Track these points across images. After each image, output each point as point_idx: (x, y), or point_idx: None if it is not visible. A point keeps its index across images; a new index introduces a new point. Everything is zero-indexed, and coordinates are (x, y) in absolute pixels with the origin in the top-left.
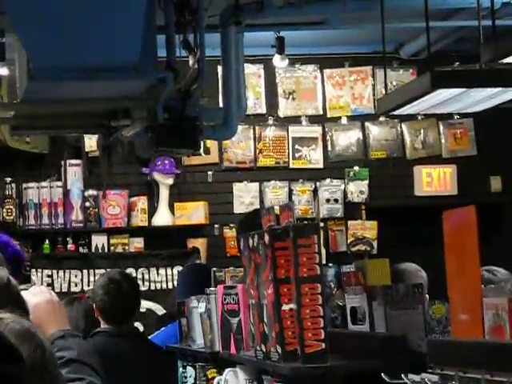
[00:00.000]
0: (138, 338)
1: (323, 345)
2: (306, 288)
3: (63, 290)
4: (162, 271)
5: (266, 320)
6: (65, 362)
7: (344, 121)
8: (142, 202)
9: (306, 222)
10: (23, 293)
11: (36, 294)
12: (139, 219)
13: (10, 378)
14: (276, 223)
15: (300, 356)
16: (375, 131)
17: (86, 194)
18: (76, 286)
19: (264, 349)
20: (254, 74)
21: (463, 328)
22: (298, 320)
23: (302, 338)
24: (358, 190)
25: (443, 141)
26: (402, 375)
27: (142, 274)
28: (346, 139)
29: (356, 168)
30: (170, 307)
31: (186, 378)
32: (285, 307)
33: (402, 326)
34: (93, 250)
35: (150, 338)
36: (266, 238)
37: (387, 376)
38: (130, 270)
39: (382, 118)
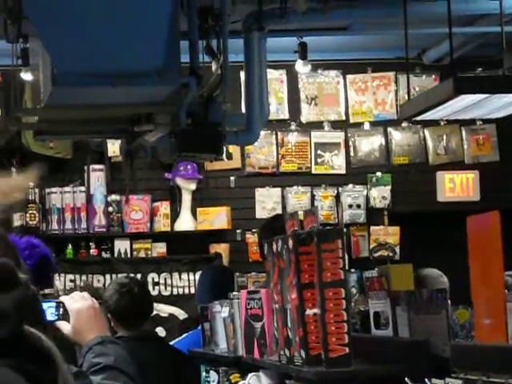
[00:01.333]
0: (157, 342)
1: (347, 349)
2: (329, 293)
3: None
4: (184, 276)
5: (289, 324)
6: (101, 368)
7: (366, 126)
8: (164, 207)
9: (329, 227)
10: (64, 298)
11: (77, 300)
12: (162, 224)
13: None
14: (300, 228)
15: (324, 360)
16: (398, 137)
17: (109, 198)
18: None
19: (288, 353)
20: (276, 80)
21: (487, 333)
22: (322, 324)
23: (325, 342)
24: (380, 195)
25: (466, 146)
26: (426, 380)
27: (165, 278)
28: (369, 145)
29: (378, 173)
30: (193, 312)
31: (209, 382)
32: (308, 312)
33: (425, 331)
34: (115, 254)
35: (173, 343)
36: (290, 242)
37: (411, 380)
38: (153, 275)
39: (404, 124)
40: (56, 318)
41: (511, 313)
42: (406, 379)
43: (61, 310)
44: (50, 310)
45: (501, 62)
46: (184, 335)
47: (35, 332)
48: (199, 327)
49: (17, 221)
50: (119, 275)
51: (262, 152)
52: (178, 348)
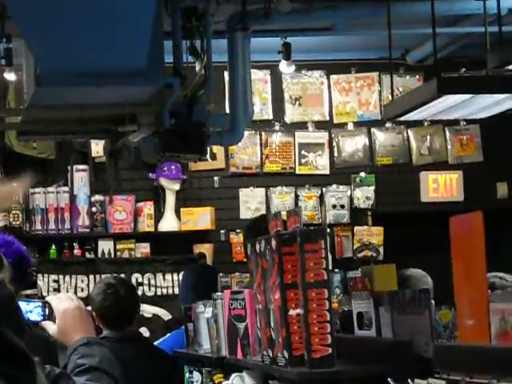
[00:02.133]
0: (141, 342)
1: (330, 350)
2: (312, 293)
3: None
4: (168, 276)
5: (272, 325)
6: (85, 369)
7: (350, 127)
8: (148, 208)
9: (313, 228)
10: (50, 298)
11: (64, 301)
12: (145, 224)
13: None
14: (283, 228)
15: (307, 361)
16: (381, 137)
17: (93, 199)
18: (82, 291)
19: (271, 354)
20: (260, 80)
21: (470, 333)
22: (305, 325)
23: (308, 342)
24: (364, 195)
25: (449, 147)
26: (409, 380)
27: (149, 279)
28: (353, 145)
29: (362, 174)
30: (176, 313)
31: (192, 382)
32: (292, 312)
33: (408, 331)
34: (99, 255)
35: (156, 343)
36: (273, 243)
37: (394, 381)
38: (136, 276)
39: (388, 124)
40: (42, 318)
41: (494, 313)
42: (389, 380)
43: (47, 310)
44: (36, 310)
45: (484, 62)
46: (167, 335)
47: (10, 333)
48: (182, 327)
49: (0, 221)
50: (106, 275)
51: (246, 152)
52: (162, 348)
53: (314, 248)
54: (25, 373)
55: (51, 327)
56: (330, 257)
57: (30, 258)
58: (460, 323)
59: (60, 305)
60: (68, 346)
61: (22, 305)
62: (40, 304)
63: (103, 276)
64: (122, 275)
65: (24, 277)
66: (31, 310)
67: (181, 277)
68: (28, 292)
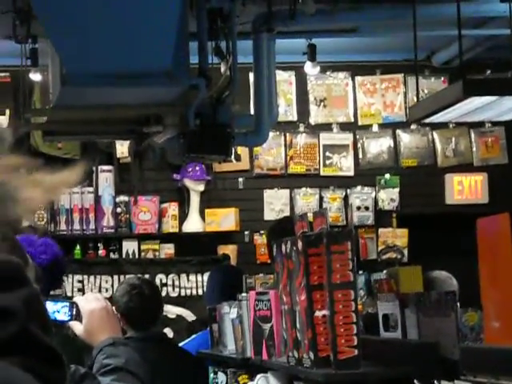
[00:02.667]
0: (166, 343)
1: (356, 351)
2: (338, 294)
3: None
4: (192, 277)
5: (298, 326)
6: (111, 369)
7: (375, 128)
8: (172, 209)
9: (339, 229)
10: (78, 299)
11: (91, 301)
12: (170, 225)
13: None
14: (309, 230)
15: (332, 362)
16: (406, 139)
17: (118, 199)
18: (107, 291)
19: (296, 355)
20: (285, 81)
21: (496, 335)
22: (331, 326)
23: (334, 344)
24: (388, 197)
25: (474, 149)
26: (435, 382)
27: (173, 280)
28: (377, 147)
29: (387, 176)
30: (201, 313)
31: (217, 383)
32: (317, 313)
33: (434, 333)
34: (123, 255)
35: (182, 344)
36: (300, 244)
37: (420, 383)
38: (161, 276)
39: (413, 126)
40: (69, 318)
41: None
42: (415, 381)
43: (74, 310)
44: (63, 310)
45: (510, 64)
46: (192, 336)
47: (40, 332)
48: (207, 329)
49: (25, 221)
50: (129, 276)
51: (271, 153)
52: (187, 349)
53: (340, 249)
54: (56, 370)
55: (78, 327)
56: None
57: (64, 265)
58: (487, 325)
59: (87, 305)
60: (94, 346)
61: (50, 305)
62: (67, 304)
63: (127, 276)
64: (147, 276)
65: (56, 281)
66: (58, 310)
67: (205, 278)
68: (52, 292)
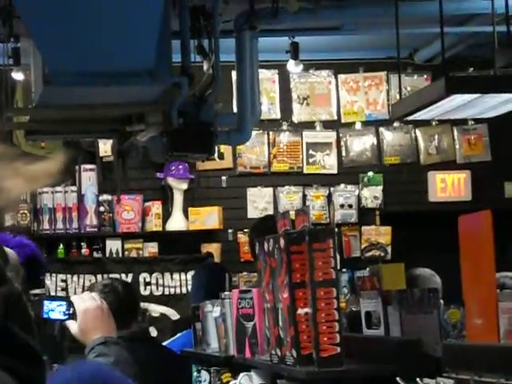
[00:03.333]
0: (151, 342)
1: (338, 349)
2: (321, 292)
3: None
4: (176, 276)
5: (281, 324)
6: None
7: (358, 126)
8: (156, 207)
9: (321, 227)
10: (74, 298)
11: (86, 300)
12: (153, 224)
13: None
14: (291, 228)
15: (315, 360)
16: (389, 137)
17: (101, 198)
18: None
19: (279, 353)
20: (268, 80)
21: (478, 332)
22: (314, 324)
23: (317, 342)
24: (372, 195)
25: (457, 146)
26: (418, 379)
27: (156, 278)
28: (361, 144)
29: (370, 173)
30: (184, 312)
31: (200, 382)
32: (300, 311)
33: (417, 331)
34: (107, 254)
35: (166, 343)
36: (282, 242)
37: (402, 380)
38: (144, 275)
39: (396, 124)
40: (66, 317)
41: (503, 312)
42: (398, 379)
43: (71, 309)
44: (60, 309)
45: (492, 61)
46: (177, 335)
47: (19, 330)
48: (191, 328)
49: (8, 220)
50: (109, 275)
51: (254, 152)
52: (171, 348)
53: (322, 247)
54: (34, 369)
55: (73, 326)
56: (337, 256)
57: (43, 263)
58: (469, 322)
59: (81, 304)
60: (87, 345)
61: (46, 303)
62: (65, 303)
63: (111, 276)
64: (130, 275)
65: (35, 279)
66: (53, 309)
67: (189, 276)
68: (36, 291)
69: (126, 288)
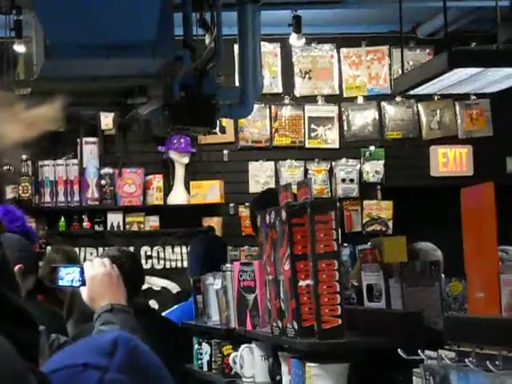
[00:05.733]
0: (151, 314)
1: (340, 321)
2: (322, 264)
3: None
4: (177, 249)
5: (282, 296)
6: None
7: (360, 100)
8: (157, 181)
9: (323, 199)
10: (85, 264)
11: (95, 267)
12: (155, 198)
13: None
14: (293, 200)
15: (316, 332)
16: (391, 111)
17: (102, 172)
18: None
19: (280, 325)
20: (270, 53)
21: (480, 305)
22: (315, 296)
23: (318, 313)
24: (373, 170)
25: (459, 121)
26: (419, 351)
27: (158, 252)
28: (362, 119)
29: (372, 148)
30: (185, 285)
31: (201, 354)
32: (301, 283)
33: (418, 303)
34: (108, 228)
35: (164, 314)
36: (283, 214)
37: (404, 352)
38: (146, 249)
39: (398, 98)
40: (80, 283)
41: (504, 285)
42: (399, 351)
43: (84, 276)
44: (73, 276)
45: (495, 36)
46: (175, 306)
47: (10, 293)
48: (190, 299)
49: (9, 193)
50: (110, 248)
51: (256, 126)
52: (170, 319)
53: (324, 219)
54: (26, 331)
55: (84, 293)
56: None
57: (34, 237)
58: (470, 295)
59: (90, 271)
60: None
61: (60, 270)
62: (78, 269)
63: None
64: (131, 248)
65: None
66: (67, 276)
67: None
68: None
69: (133, 262)
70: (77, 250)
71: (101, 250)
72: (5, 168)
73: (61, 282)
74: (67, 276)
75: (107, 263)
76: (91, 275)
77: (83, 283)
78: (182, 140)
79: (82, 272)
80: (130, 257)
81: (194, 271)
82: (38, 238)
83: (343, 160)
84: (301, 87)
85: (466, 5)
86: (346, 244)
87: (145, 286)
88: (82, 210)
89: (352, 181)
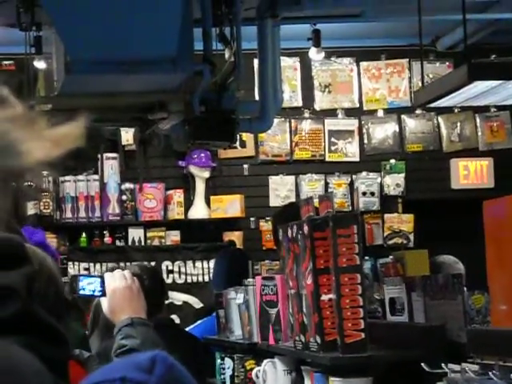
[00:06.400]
0: (173, 328)
1: (363, 335)
2: (345, 278)
3: None
4: (198, 264)
5: (305, 310)
6: (126, 350)
7: (380, 113)
8: (178, 195)
9: (345, 213)
10: (106, 275)
11: (116, 279)
12: (175, 212)
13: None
14: (315, 214)
15: (339, 346)
16: (411, 124)
17: (123, 187)
18: None
19: (303, 339)
20: (290, 67)
21: (503, 318)
22: (338, 310)
23: (341, 327)
24: (394, 182)
25: (480, 133)
26: (442, 365)
27: (179, 266)
28: (383, 132)
29: (392, 161)
30: (207, 300)
31: (224, 369)
32: (324, 297)
33: (441, 317)
34: (129, 243)
35: (188, 329)
36: (306, 228)
37: (427, 366)
38: (167, 263)
39: (418, 111)
40: (100, 294)
41: None
42: (422, 364)
43: (104, 286)
44: (94, 286)
45: None
46: (198, 322)
47: (42, 310)
48: (213, 314)
49: (31, 209)
50: (132, 263)
51: (276, 140)
52: (193, 335)
53: (346, 233)
54: (57, 349)
55: (105, 304)
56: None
57: (53, 251)
58: (493, 308)
59: (111, 283)
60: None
61: (81, 280)
62: (99, 280)
63: (128, 265)
64: (153, 263)
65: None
66: (88, 286)
67: (211, 264)
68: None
69: (154, 280)
70: (98, 265)
71: (122, 265)
72: (26, 184)
73: (82, 292)
74: (88, 286)
75: (128, 276)
76: (112, 288)
77: (103, 293)
78: (203, 154)
79: (102, 282)
80: (150, 275)
81: (218, 286)
82: (59, 255)
83: (364, 173)
84: (321, 101)
85: (485, 17)
86: (367, 257)
87: (166, 301)
88: (103, 225)
89: (373, 194)
